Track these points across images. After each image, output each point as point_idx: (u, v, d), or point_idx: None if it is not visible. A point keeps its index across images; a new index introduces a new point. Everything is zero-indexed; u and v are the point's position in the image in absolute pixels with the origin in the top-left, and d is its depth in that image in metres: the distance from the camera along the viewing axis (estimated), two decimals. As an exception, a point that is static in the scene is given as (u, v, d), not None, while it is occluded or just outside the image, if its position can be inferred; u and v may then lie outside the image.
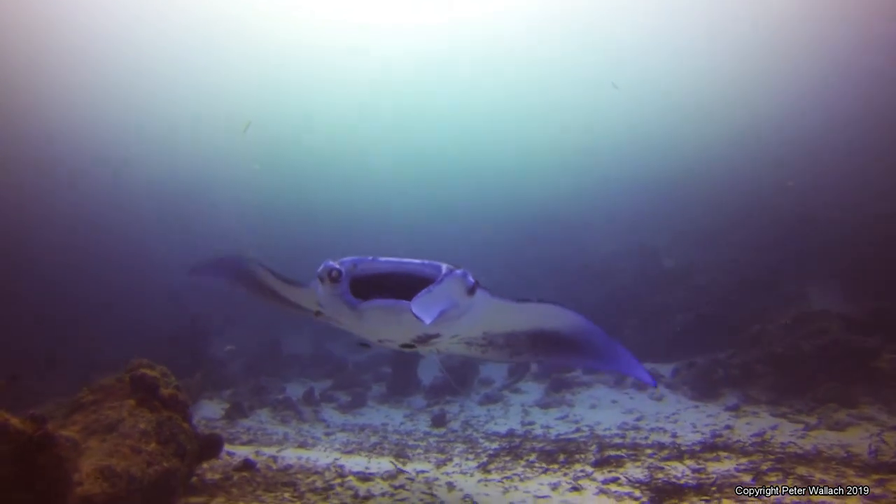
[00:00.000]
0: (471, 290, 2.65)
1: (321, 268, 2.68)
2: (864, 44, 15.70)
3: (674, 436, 6.49)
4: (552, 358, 3.53)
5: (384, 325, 2.69)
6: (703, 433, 6.55)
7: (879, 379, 6.89)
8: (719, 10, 16.35)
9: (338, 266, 2.62)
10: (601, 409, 7.69)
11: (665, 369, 8.73)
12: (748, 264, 10.97)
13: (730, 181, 13.58)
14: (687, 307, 9.58)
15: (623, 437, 6.55)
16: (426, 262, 2.63)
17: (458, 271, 2.57)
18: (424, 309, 2.40)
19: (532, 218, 15.64)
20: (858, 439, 5.81)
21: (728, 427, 6.72)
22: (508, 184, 21.41)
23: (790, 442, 6.03)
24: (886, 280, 9.54)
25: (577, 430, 7.02)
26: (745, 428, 6.65)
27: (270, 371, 11.42)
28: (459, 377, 9.10)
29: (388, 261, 2.65)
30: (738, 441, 6.09)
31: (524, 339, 3.37)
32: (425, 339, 2.89)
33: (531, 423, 7.46)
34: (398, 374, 10.08)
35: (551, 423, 7.37)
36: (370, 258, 2.65)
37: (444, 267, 2.58)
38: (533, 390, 8.72)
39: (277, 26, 18.28)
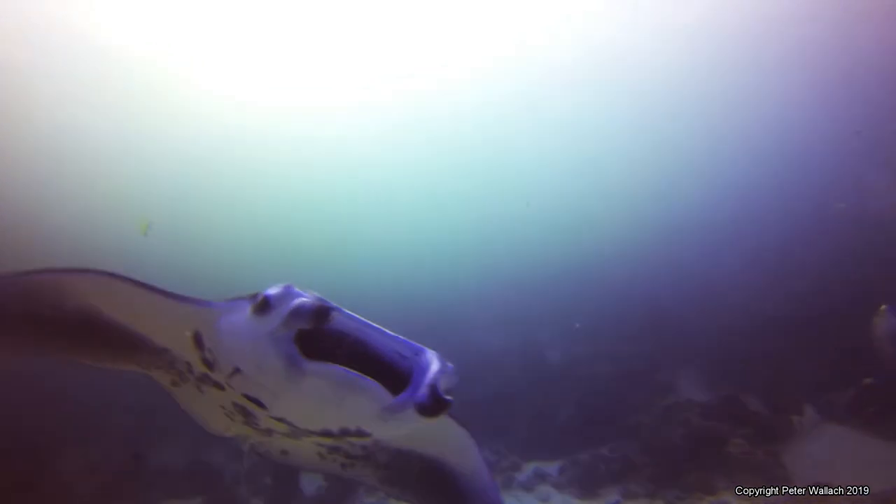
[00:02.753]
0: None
1: (278, 291, 1.91)
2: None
3: (557, 540, 6.44)
4: (423, 499, 2.73)
5: (320, 402, 1.90)
6: (584, 534, 6.58)
7: (731, 463, 7.46)
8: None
9: (317, 303, 1.83)
10: (488, 515, 7.48)
11: (552, 468, 8.80)
12: (626, 355, 11.80)
13: (607, 274, 14.97)
14: (571, 401, 9.95)
15: (507, 545, 6.37)
16: (406, 340, 2.02)
17: (450, 366, 1.96)
18: (397, 399, 1.84)
19: (420, 313, 15.70)
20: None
21: (608, 525, 6.82)
22: (399, 276, 21.50)
23: (662, 537, 6.23)
24: (739, 368, 10.68)
25: (462, 541, 6.71)
26: (624, 525, 6.80)
27: (130, 492, 9.87)
28: (344, 485, 8.52)
29: (365, 322, 1.97)
30: (615, 541, 6.18)
31: (412, 465, 2.66)
32: (345, 434, 2.15)
33: (415, 537, 7.01)
34: (279, 486, 9.20)
35: (436, 536, 7.00)
36: (339, 308, 1.94)
37: (431, 353, 1.98)
38: (420, 498, 8.32)
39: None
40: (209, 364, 2.18)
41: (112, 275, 2.16)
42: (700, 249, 15.12)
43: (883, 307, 9.72)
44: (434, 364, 1.91)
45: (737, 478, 7.18)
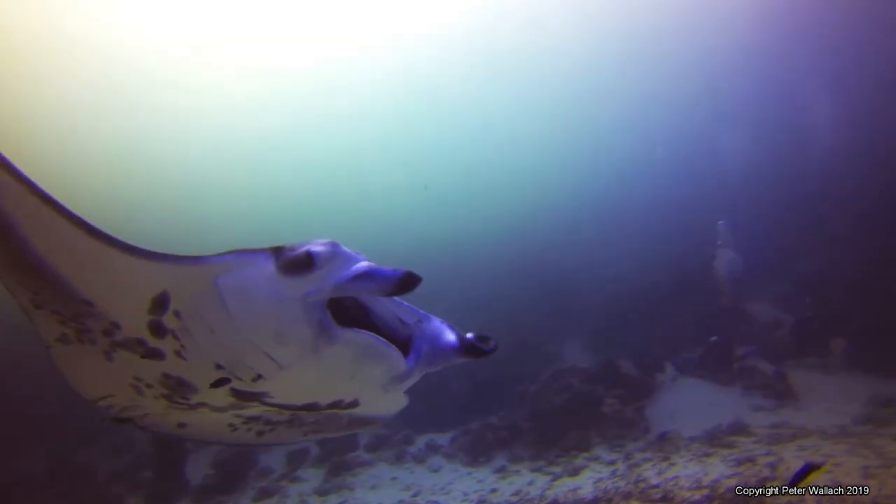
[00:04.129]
0: None
1: (325, 249, 1.63)
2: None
3: (444, 508, 6.68)
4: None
5: (332, 373, 1.75)
6: (471, 500, 6.87)
7: (605, 422, 8.19)
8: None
9: (403, 271, 1.57)
10: (381, 489, 7.56)
11: (444, 439, 9.08)
12: (517, 327, 12.37)
13: (499, 249, 15.57)
14: (464, 374, 10.27)
15: (397, 517, 6.51)
16: (411, 306, 1.94)
17: (462, 334, 1.99)
18: (407, 366, 1.80)
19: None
20: (587, 480, 6.74)
21: (493, 489, 7.15)
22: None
23: (541, 495, 6.69)
24: (616, 335, 11.70)
25: (354, 516, 6.78)
26: (508, 488, 7.16)
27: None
28: (233, 470, 8.17)
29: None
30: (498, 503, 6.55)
31: (341, 418, 2.47)
32: (334, 407, 2.00)
33: (306, 517, 6.96)
34: (160, 478, 8.59)
35: (327, 514, 6.99)
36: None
37: (440, 321, 1.97)
38: (312, 477, 8.19)
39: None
40: (159, 330, 1.72)
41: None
42: (586, 227, 16.24)
43: (720, 222, 11.02)
44: (446, 332, 1.89)
45: (608, 433, 7.91)
